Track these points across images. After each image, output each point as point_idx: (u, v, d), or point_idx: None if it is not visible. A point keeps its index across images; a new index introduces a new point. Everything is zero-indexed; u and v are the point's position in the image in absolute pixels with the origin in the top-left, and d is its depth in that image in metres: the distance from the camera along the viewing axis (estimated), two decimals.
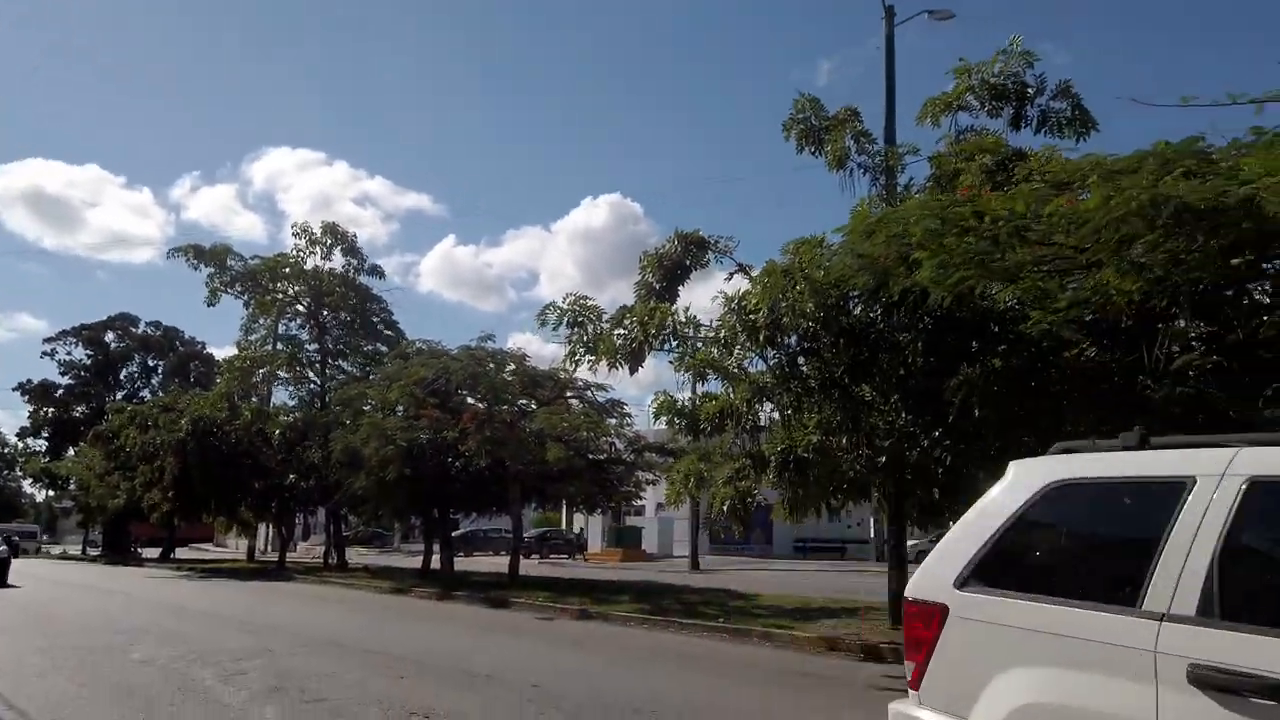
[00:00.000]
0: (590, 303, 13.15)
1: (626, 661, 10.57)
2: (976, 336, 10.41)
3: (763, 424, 13.02)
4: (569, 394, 22.58)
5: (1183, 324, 8.78)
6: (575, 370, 14.43)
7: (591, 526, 43.42)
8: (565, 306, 13.15)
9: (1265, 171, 6.20)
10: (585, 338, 12.71)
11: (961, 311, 9.97)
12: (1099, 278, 8.27)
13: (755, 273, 12.28)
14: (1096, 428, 10.13)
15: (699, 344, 11.97)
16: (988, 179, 11.39)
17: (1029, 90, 12.33)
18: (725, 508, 12.94)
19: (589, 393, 22.22)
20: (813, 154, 13.87)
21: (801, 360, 11.48)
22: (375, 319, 31.92)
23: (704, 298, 49.34)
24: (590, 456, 22.07)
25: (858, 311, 11.44)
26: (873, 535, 42.75)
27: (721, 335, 11.43)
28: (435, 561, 24.22)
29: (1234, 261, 8.13)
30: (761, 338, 10.40)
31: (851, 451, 12.28)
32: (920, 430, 11.49)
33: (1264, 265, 8.74)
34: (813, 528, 41.76)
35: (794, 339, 11.38)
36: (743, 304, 10.56)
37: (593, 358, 12.59)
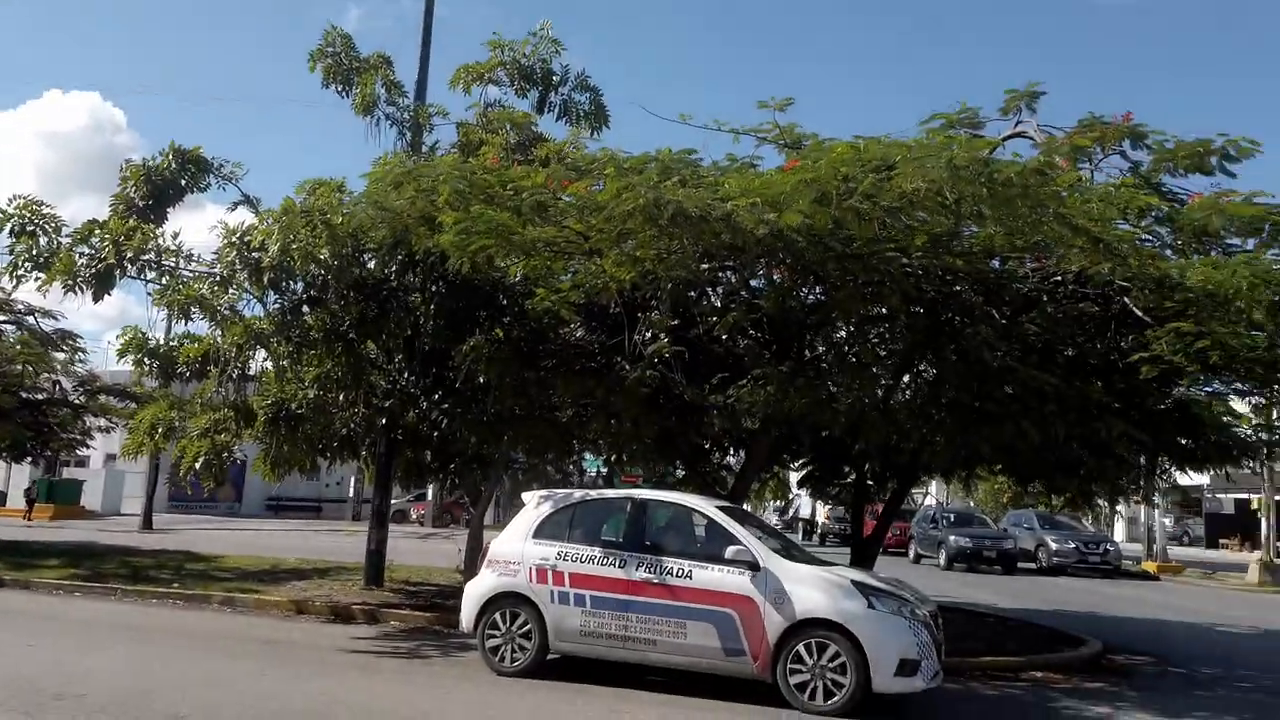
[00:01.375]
0: (49, 210, 10.82)
1: (53, 636, 8.97)
2: (487, 305, 10.75)
3: (253, 373, 11.98)
4: (2, 318, 18.52)
5: (659, 315, 9.98)
6: (15, 289, 11.77)
7: (17, 478, 36.32)
8: (13, 210, 10.66)
9: (741, 192, 7.27)
10: (37, 251, 10.44)
11: (476, 279, 10.20)
12: (599, 264, 9.05)
13: (263, 207, 11.24)
14: (578, 400, 11.15)
15: (187, 277, 10.56)
16: (508, 156, 11.80)
17: (554, 77, 13.03)
18: (199, 463, 11.64)
19: (31, 319, 18.45)
20: (339, 93, 13.10)
21: (306, 309, 10.78)
22: None
23: (198, 228, 43.89)
24: (25, 395, 18.37)
25: (373, 265, 11.09)
26: (351, 494, 42.21)
27: (217, 271, 10.23)
28: None
29: (704, 266, 9.49)
30: (265, 280, 9.51)
31: (349, 409, 11.89)
32: (422, 392, 11.54)
33: (719, 274, 10.35)
34: (288, 486, 39.86)
35: (301, 285, 10.64)
36: (247, 240, 9.56)
37: (43, 276, 10.38)
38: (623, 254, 8.55)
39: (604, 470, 16.19)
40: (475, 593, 8.29)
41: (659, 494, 8.81)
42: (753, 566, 7.33)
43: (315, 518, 41.19)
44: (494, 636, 8.00)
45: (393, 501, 40.64)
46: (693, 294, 10.34)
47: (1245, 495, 37.21)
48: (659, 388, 10.00)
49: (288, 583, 13.35)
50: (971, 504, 39.36)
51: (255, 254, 9.56)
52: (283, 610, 11.37)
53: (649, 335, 10.13)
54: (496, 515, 21.63)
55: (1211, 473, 11.06)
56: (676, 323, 9.89)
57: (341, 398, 11.71)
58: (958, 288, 8.63)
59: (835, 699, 6.84)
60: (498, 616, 8.01)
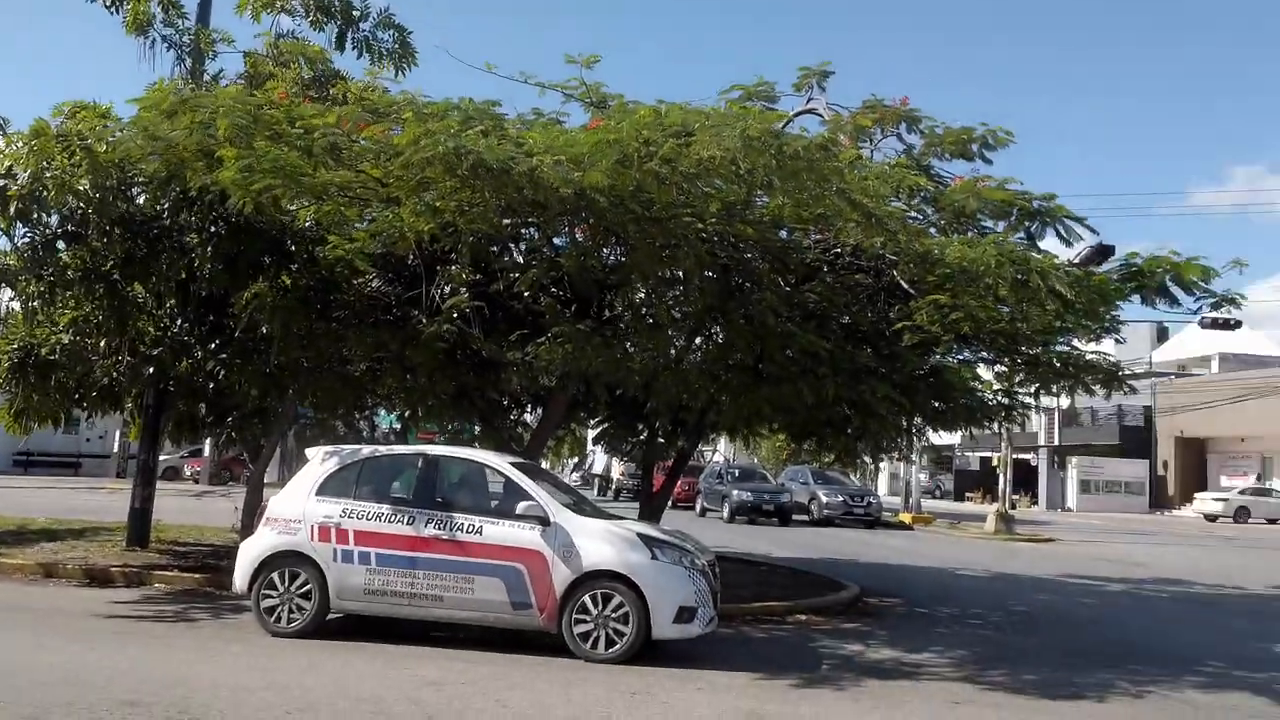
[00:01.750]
0: None
1: None
2: (273, 251, 10.13)
3: None
4: None
5: (458, 269, 9.82)
6: None
7: None
8: None
9: (545, 148, 7.24)
10: None
11: (261, 222, 9.61)
12: (397, 213, 8.76)
13: (12, 129, 9.98)
14: (371, 354, 10.78)
15: None
16: (301, 91, 11.11)
17: (355, 12, 12.32)
18: None
19: None
20: (108, 8, 11.78)
21: (62, 245, 9.74)
22: None
23: None
24: None
25: (142, 201, 10.15)
26: (115, 449, 38.75)
27: None
28: None
29: (506, 221, 9.41)
30: (12, 210, 8.48)
31: (111, 356, 10.91)
32: (197, 341, 10.76)
33: (521, 230, 10.31)
34: (41, 440, 35.94)
35: (56, 218, 9.60)
36: None
37: None
38: (422, 204, 8.32)
39: (397, 426, 15.76)
40: (251, 552, 7.91)
41: (451, 450, 8.72)
42: (543, 521, 7.44)
43: (74, 475, 37.53)
44: (270, 596, 7.67)
45: (163, 457, 37.71)
46: (494, 249, 10.24)
47: (988, 454, 41.65)
48: (456, 343, 9.86)
49: (36, 544, 12.17)
50: (755, 460, 41.65)
51: (2, 180, 8.51)
52: (27, 574, 10.36)
53: (448, 289, 9.98)
54: (282, 473, 20.62)
55: (960, 433, 12.24)
56: (478, 277, 9.78)
57: (103, 344, 10.72)
58: (748, 255, 9.05)
59: (617, 647, 7.11)
60: (275, 576, 7.68)
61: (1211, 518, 36.69)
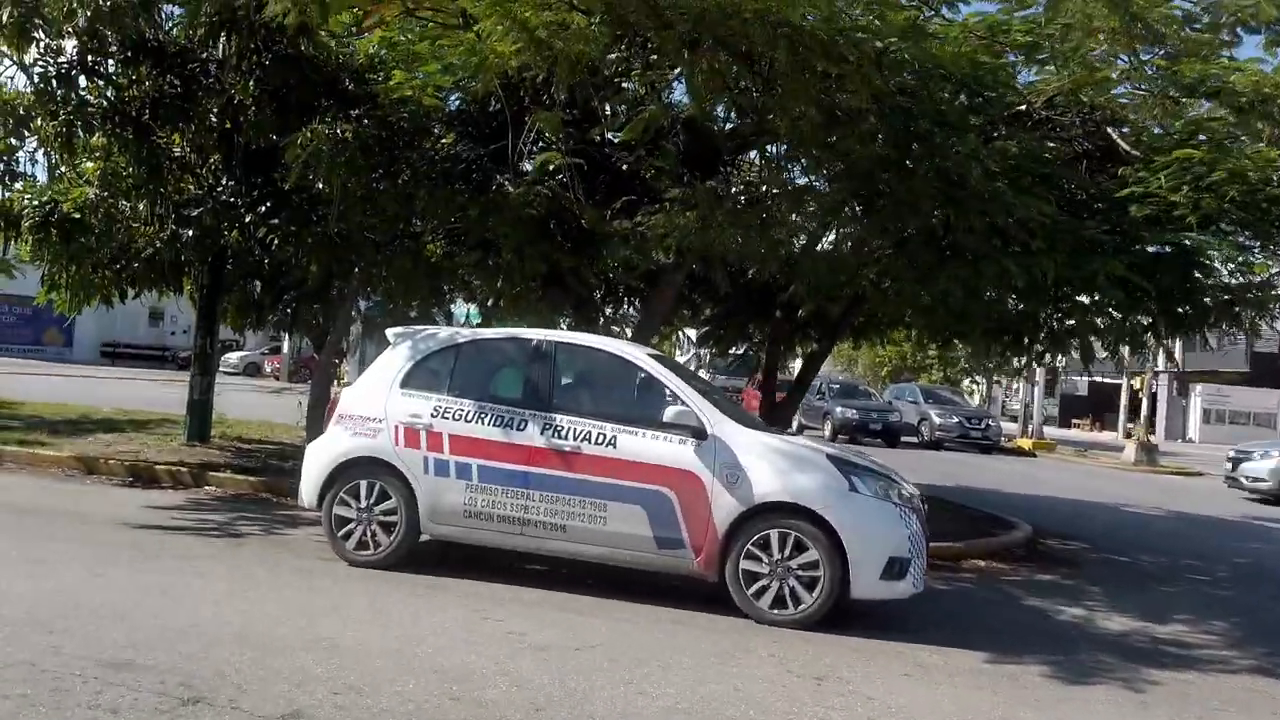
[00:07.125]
0: None
1: None
2: (328, 92, 8.29)
3: (21, 168, 9.23)
4: None
5: (550, 114, 7.82)
6: None
7: None
8: None
9: None
10: None
11: (314, 55, 7.78)
12: (478, 29, 6.80)
13: None
14: (446, 220, 8.95)
15: None
16: None
17: None
18: None
19: None
20: None
21: (83, 78, 8.07)
22: None
23: None
24: None
25: (175, 29, 8.39)
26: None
27: None
28: None
29: (611, 56, 7.38)
30: (4, 18, 6.78)
31: (154, 223, 9.33)
32: (245, 204, 9.06)
33: (629, 68, 8.18)
34: (127, 330, 36.13)
35: (73, 45, 7.92)
36: None
37: None
38: (507, 17, 6.34)
39: (476, 321, 14.00)
40: (322, 458, 6.22)
41: (574, 336, 6.85)
42: (698, 434, 5.50)
43: (159, 366, 37.51)
44: (345, 514, 6.01)
45: (244, 353, 37.11)
46: (596, 84, 8.14)
47: (1099, 379, 38.52)
48: (549, 210, 8.01)
49: (91, 435, 10.98)
50: (850, 377, 39.43)
51: None
52: (65, 468, 9.09)
53: (539, 147, 8.11)
54: (362, 368, 19.34)
55: (1205, 338, 9.06)
56: (574, 113, 7.80)
57: (142, 206, 9.13)
58: (941, 90, 6.76)
59: (804, 607, 5.24)
60: (355, 488, 6.02)
61: None
